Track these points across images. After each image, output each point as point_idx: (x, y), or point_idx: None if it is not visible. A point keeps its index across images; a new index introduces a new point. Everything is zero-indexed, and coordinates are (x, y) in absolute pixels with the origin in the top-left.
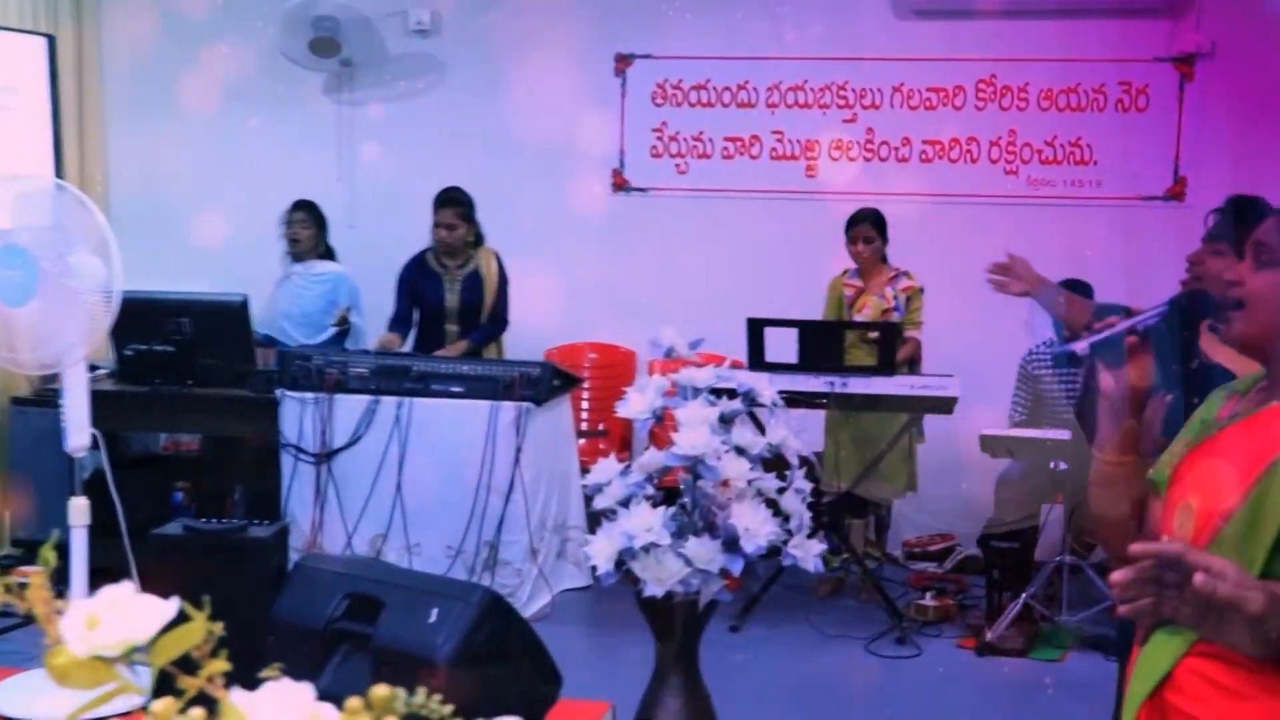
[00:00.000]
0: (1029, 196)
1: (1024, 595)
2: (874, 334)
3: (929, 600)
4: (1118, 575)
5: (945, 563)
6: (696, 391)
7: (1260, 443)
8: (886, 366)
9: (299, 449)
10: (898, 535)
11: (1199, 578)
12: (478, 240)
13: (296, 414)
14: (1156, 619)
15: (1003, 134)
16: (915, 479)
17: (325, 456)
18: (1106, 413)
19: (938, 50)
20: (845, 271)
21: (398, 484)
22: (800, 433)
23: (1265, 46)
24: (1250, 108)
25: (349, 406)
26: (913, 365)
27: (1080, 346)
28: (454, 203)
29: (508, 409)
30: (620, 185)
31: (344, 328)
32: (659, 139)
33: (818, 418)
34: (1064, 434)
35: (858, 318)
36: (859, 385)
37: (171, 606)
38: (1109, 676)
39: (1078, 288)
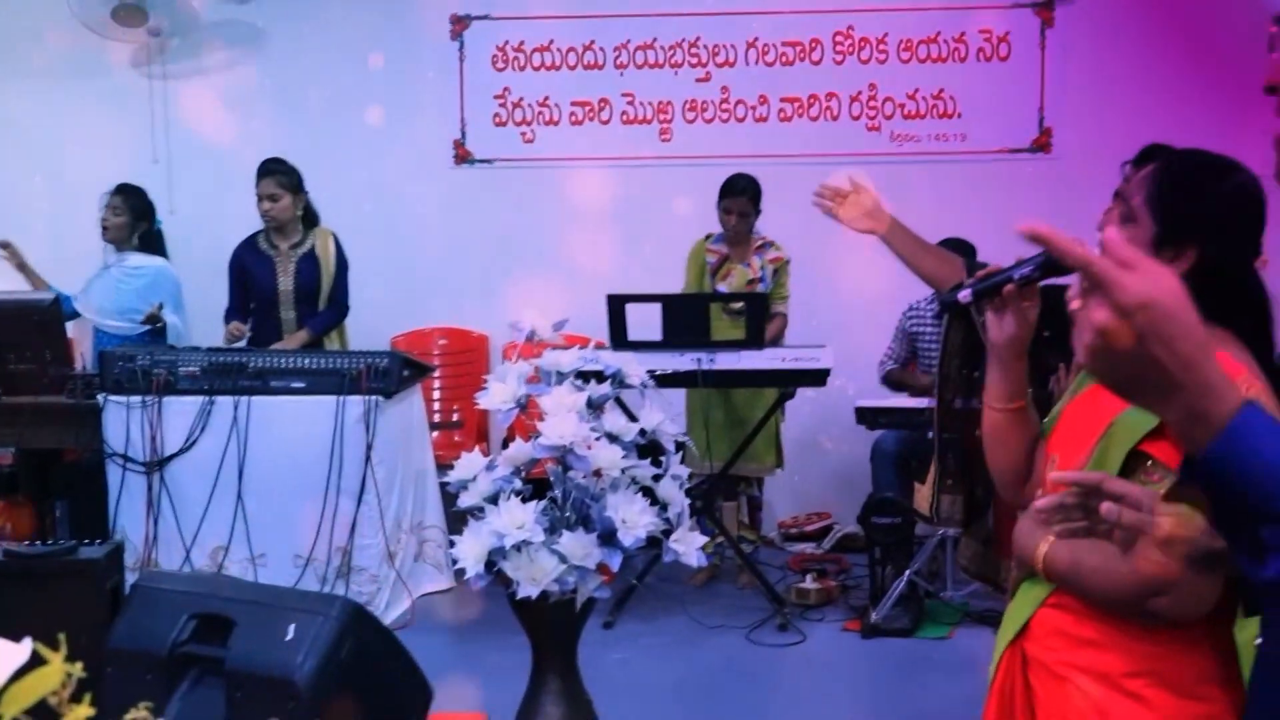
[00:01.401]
0: (893, 153)
1: (908, 573)
2: (738, 305)
3: (810, 583)
4: (1041, 503)
5: (824, 542)
6: (562, 376)
7: (1110, 400)
8: (756, 340)
9: (126, 458)
10: (772, 517)
11: (1105, 506)
12: (311, 219)
13: (122, 420)
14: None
15: (863, 88)
16: (782, 455)
17: (156, 465)
18: (994, 361)
19: (792, 2)
20: (708, 236)
21: (238, 491)
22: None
23: None
24: (1112, 53)
25: (180, 409)
26: (775, 343)
27: (964, 295)
28: (274, 172)
29: (355, 403)
30: (463, 157)
31: (156, 325)
32: (502, 106)
33: (678, 397)
34: None
35: (722, 288)
36: (728, 361)
37: (23, 649)
38: None
39: (960, 248)
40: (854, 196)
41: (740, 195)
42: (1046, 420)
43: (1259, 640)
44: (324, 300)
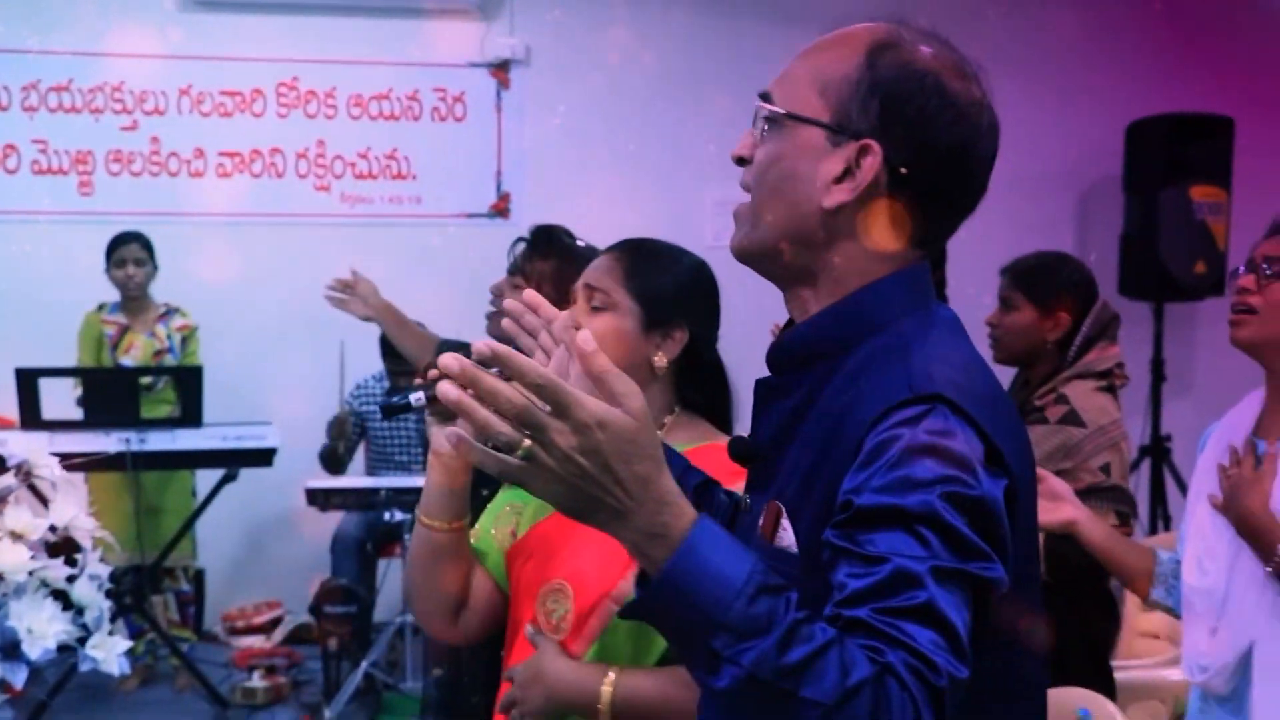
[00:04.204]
0: (344, 214)
1: (365, 664)
2: (147, 380)
3: (257, 680)
4: None
5: (274, 635)
6: None
7: None
8: (192, 417)
9: None
10: (216, 609)
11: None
12: None
13: None
14: None
15: (310, 144)
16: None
17: None
18: (441, 472)
19: (230, 48)
20: (102, 306)
21: None
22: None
23: (579, 52)
24: (568, 117)
25: None
26: None
27: (415, 398)
28: None
29: None
30: None
31: None
32: None
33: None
34: (401, 480)
35: (125, 361)
36: (162, 441)
37: None
38: None
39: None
40: (359, 286)
41: (131, 243)
42: (484, 533)
43: None
44: None
